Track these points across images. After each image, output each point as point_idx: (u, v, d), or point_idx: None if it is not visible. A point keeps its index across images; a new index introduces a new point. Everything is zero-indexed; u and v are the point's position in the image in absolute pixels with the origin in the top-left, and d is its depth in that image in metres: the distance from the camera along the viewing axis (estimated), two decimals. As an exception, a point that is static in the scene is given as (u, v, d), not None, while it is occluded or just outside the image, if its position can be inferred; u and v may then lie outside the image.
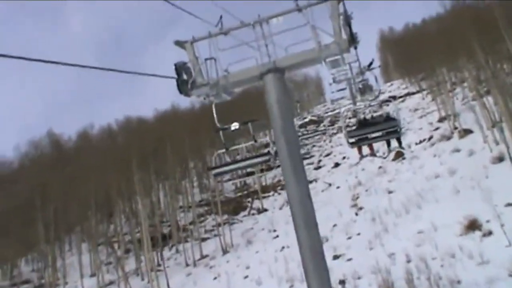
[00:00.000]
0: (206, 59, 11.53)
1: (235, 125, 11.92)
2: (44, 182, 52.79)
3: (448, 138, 55.86)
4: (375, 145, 18.99)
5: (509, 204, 33.42)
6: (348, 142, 14.74)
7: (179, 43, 11.81)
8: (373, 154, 19.91)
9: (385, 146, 17.98)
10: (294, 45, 11.42)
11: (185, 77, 11.52)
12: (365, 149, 19.15)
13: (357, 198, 50.56)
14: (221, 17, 11.55)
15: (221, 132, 11.86)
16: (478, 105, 52.92)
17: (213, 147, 67.21)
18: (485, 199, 34.23)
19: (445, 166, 46.36)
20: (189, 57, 11.75)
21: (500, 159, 41.91)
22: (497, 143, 46.80)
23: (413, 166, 52.47)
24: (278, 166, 72.76)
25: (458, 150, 50.03)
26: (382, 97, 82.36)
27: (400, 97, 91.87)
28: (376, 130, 14.62)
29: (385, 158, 23.12)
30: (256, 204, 65.63)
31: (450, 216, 33.85)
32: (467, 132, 53.58)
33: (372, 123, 15.51)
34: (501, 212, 32.47)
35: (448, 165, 46.20)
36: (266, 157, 11.71)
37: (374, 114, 16.60)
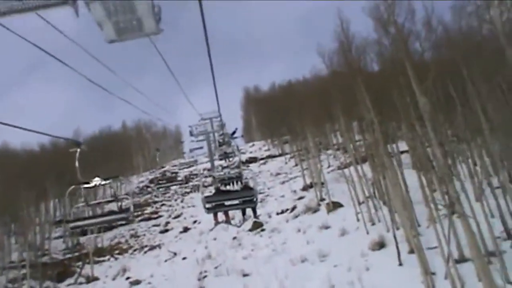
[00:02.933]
0: None
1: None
2: None
3: (315, 210, 46.91)
4: (231, 214, 18.04)
5: (403, 315, 24.16)
6: (204, 207, 14.33)
7: None
8: (228, 221, 18.29)
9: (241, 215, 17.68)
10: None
11: None
12: (221, 216, 17.78)
13: (205, 277, 39.19)
14: None
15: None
16: (347, 176, 44.72)
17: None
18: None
19: (313, 247, 36.74)
20: None
21: (381, 245, 33.15)
22: (372, 223, 38.43)
23: (274, 241, 42.49)
24: (121, 225, 59.88)
25: (327, 227, 40.91)
26: (243, 157, 73.29)
27: (262, 159, 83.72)
28: (233, 198, 14.49)
29: (239, 226, 21.45)
30: (87, 270, 51.92)
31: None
32: (336, 205, 45.01)
33: (230, 191, 15.93)
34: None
35: (316, 246, 36.65)
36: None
37: (233, 181, 17.10)
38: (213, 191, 16.94)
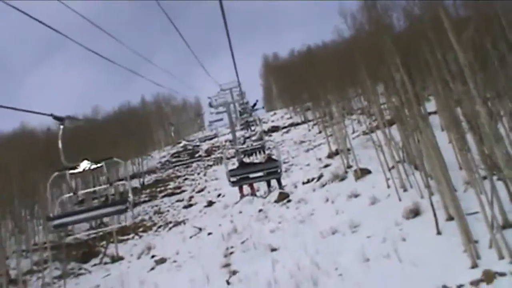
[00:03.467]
0: None
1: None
2: None
3: (342, 178, 44.82)
4: (256, 185, 18.56)
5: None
6: (229, 181, 14.39)
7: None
8: (253, 193, 19.09)
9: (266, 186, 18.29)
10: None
11: None
12: (246, 189, 18.50)
13: (231, 253, 37.58)
14: None
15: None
16: (374, 140, 42.39)
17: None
18: (412, 278, 22.90)
19: (343, 217, 34.72)
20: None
21: (416, 212, 30.95)
22: (404, 189, 36.24)
23: (301, 212, 40.62)
24: (144, 202, 58.65)
25: (356, 196, 38.83)
26: (265, 126, 71.29)
27: (284, 127, 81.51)
28: (257, 170, 14.46)
29: (265, 197, 21.19)
30: (111, 249, 50.79)
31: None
32: (364, 172, 42.84)
33: (254, 163, 16.52)
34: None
35: (346, 216, 34.62)
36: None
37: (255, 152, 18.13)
38: (237, 163, 17.29)
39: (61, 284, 42.57)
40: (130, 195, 9.38)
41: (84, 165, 9.26)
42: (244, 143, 21.39)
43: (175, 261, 40.26)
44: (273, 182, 17.96)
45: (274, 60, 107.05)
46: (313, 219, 37.76)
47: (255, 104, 27.69)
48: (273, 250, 34.15)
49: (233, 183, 14.68)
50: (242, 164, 16.11)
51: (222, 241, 41.05)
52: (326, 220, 35.51)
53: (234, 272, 32.67)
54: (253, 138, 22.08)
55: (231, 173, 14.42)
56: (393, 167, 38.61)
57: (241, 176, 14.52)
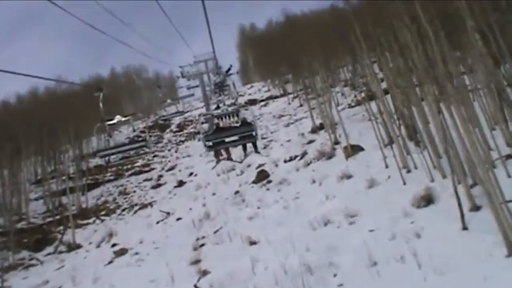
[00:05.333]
0: None
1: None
2: None
3: (329, 156, 38.24)
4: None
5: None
6: (205, 145, 14.28)
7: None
8: (229, 158, 19.89)
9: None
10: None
11: None
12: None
13: (202, 245, 30.83)
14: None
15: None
16: (369, 112, 35.99)
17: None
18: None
19: (336, 203, 28.08)
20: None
21: (428, 200, 24.37)
22: (408, 170, 29.80)
23: (284, 195, 34.06)
24: (108, 181, 51.56)
25: (348, 177, 32.34)
26: (241, 100, 65.03)
27: (262, 100, 74.77)
28: (232, 134, 14.24)
29: (241, 162, 21.06)
30: (69, 235, 43.44)
31: None
32: (356, 149, 36.35)
33: (229, 127, 15.52)
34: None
35: (339, 202, 28.00)
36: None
37: (232, 119, 15.80)
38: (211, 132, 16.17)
39: (6, 278, 35.50)
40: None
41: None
42: (217, 107, 19.99)
43: (137, 253, 33.45)
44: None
45: (251, 31, 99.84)
46: (299, 204, 31.19)
47: (229, 69, 25.47)
48: (252, 243, 27.42)
49: (209, 148, 14.39)
50: (217, 129, 15.64)
51: (193, 229, 34.39)
52: (315, 206, 28.94)
53: (204, 273, 25.74)
54: (228, 102, 19.93)
55: (207, 137, 14.03)
56: (392, 142, 32.18)
57: (217, 141, 14.13)
